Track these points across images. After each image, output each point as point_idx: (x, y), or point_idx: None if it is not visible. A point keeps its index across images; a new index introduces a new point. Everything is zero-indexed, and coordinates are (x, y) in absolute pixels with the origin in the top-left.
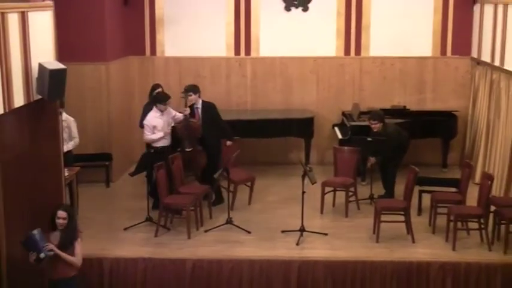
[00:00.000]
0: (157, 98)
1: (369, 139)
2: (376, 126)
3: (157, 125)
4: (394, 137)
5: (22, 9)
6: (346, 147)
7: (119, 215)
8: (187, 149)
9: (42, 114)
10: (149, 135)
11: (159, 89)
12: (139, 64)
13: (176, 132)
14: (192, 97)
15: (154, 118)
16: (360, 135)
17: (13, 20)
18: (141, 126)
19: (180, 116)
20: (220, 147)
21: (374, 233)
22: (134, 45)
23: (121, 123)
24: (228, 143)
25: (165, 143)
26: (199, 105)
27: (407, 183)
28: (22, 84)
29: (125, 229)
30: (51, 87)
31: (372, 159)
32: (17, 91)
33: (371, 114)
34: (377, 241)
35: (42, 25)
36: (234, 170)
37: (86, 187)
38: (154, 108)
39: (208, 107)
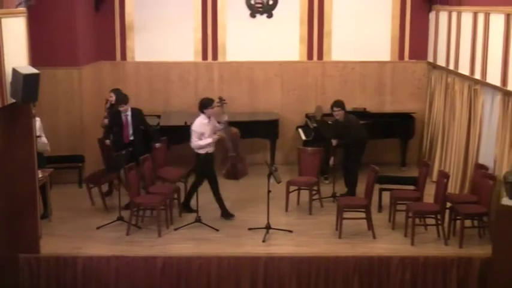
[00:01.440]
0: (204, 104)
1: (330, 122)
2: (338, 113)
3: (205, 132)
4: (355, 123)
5: None
6: (309, 148)
7: (91, 214)
8: (231, 154)
9: (16, 117)
10: (197, 141)
11: (111, 93)
12: (110, 69)
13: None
14: (124, 107)
15: (202, 125)
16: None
17: None
18: (102, 126)
19: (218, 125)
20: (148, 150)
21: (337, 229)
22: (105, 50)
23: (93, 126)
24: (157, 145)
25: (211, 149)
26: (129, 112)
27: (368, 182)
28: None
29: (98, 228)
30: (25, 91)
31: (334, 142)
32: None
33: (334, 102)
34: (340, 237)
35: (16, 31)
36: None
37: (59, 188)
38: (202, 115)
39: (136, 113)
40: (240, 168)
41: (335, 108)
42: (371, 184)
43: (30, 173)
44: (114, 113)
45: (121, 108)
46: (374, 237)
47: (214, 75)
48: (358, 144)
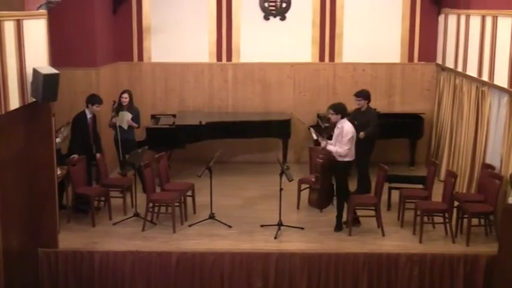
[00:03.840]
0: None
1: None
2: (360, 103)
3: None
4: (375, 115)
5: (17, 18)
6: (321, 147)
7: (107, 210)
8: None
9: (36, 116)
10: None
11: (125, 94)
12: (127, 69)
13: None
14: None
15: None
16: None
17: (9, 28)
18: (109, 125)
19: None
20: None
21: (347, 226)
22: (123, 51)
23: None
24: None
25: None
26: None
27: (378, 181)
28: (17, 87)
29: (114, 224)
30: (45, 90)
31: (362, 134)
32: (13, 94)
33: (357, 92)
34: (350, 234)
35: (36, 32)
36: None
37: None
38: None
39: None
40: (313, 198)
41: (357, 98)
42: (381, 183)
43: (50, 169)
44: (82, 117)
45: (97, 109)
46: (383, 234)
47: (229, 75)
48: (368, 141)
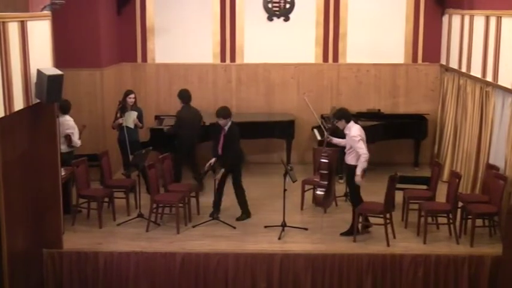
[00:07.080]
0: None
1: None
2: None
3: None
4: (178, 116)
5: (22, 19)
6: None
7: (111, 211)
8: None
9: (40, 117)
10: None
11: (132, 95)
12: (131, 70)
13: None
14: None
15: None
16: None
17: (13, 29)
18: (113, 127)
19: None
20: None
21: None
22: (127, 52)
23: None
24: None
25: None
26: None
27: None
28: (22, 88)
29: (118, 225)
30: (49, 91)
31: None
32: (17, 95)
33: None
34: (354, 240)
35: (41, 33)
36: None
37: None
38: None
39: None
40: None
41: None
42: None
43: (54, 170)
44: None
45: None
46: (388, 244)
47: (232, 76)
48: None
